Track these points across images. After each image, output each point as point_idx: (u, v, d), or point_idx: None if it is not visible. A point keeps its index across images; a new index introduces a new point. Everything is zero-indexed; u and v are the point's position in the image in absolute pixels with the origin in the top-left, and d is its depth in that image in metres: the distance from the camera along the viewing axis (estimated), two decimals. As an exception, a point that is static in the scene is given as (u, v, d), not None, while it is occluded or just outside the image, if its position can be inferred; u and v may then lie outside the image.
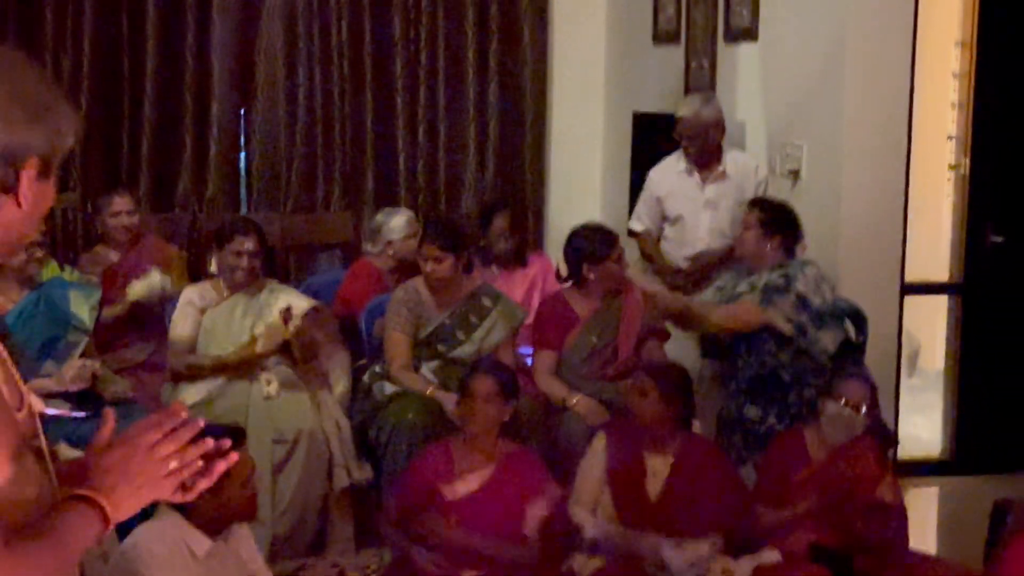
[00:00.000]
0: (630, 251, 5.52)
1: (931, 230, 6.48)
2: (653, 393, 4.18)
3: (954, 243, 6.08)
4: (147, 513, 2.98)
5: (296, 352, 4.86)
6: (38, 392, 4.09)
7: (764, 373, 4.77)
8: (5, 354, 1.61)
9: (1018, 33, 5.81)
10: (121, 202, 5.62)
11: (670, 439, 4.23)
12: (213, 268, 5.03)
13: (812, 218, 5.35)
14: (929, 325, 6.86)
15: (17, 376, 1.61)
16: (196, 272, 5.97)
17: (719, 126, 5.56)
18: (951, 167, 6.36)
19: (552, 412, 4.92)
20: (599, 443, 4.30)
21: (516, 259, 5.97)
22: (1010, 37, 5.81)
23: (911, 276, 5.72)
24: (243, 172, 6.94)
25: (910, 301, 5.80)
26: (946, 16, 6.19)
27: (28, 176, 1.55)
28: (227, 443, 1.75)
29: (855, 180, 5.43)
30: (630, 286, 5.12)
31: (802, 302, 4.75)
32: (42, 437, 1.65)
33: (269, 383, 4.76)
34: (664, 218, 5.70)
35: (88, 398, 4.46)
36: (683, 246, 5.61)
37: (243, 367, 4.82)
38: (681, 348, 5.29)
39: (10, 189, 1.54)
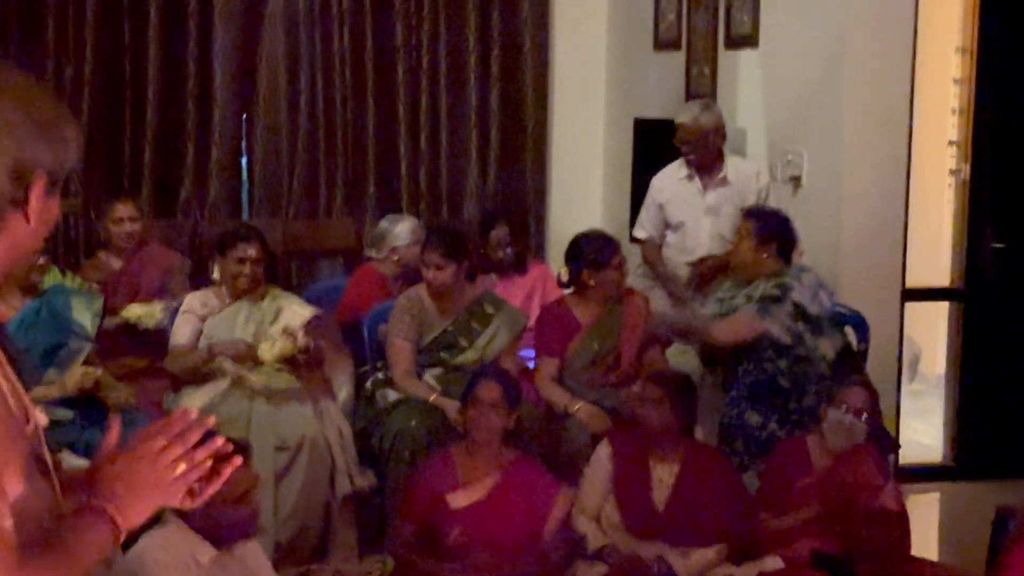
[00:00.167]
0: (633, 258, 5.53)
1: (932, 236, 6.49)
2: (663, 402, 4.19)
3: (955, 249, 6.08)
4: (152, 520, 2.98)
5: (300, 359, 4.87)
6: (40, 400, 4.10)
7: (764, 380, 4.78)
8: (9, 368, 1.61)
9: (1018, 39, 5.81)
10: (124, 209, 5.63)
11: (675, 447, 4.24)
12: (216, 275, 5.03)
13: (813, 224, 5.37)
14: (930, 330, 6.86)
15: (21, 390, 1.62)
16: (198, 278, 5.98)
17: (719, 133, 5.57)
18: (951, 173, 6.37)
19: (554, 419, 4.92)
20: (604, 451, 4.30)
21: (515, 267, 5.98)
22: (1010, 43, 5.81)
23: (912, 282, 5.73)
24: (245, 178, 6.95)
25: (911, 307, 5.80)
26: (946, 22, 6.20)
27: (37, 192, 1.57)
28: (230, 447, 1.76)
29: (856, 186, 5.45)
30: (631, 293, 5.13)
31: (799, 310, 4.76)
32: (47, 450, 1.66)
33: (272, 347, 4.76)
34: (666, 225, 5.71)
35: (90, 405, 4.46)
36: (685, 252, 5.63)
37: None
38: (682, 354, 5.29)
39: (19, 204, 1.55)
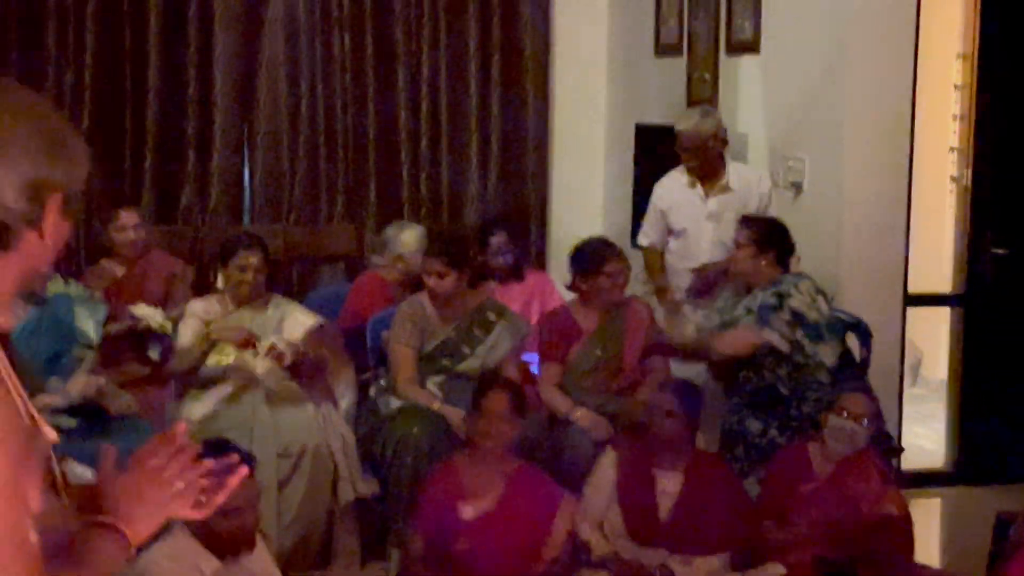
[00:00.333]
0: (636, 265, 5.53)
1: (933, 242, 6.49)
2: (674, 412, 4.20)
3: (956, 254, 6.09)
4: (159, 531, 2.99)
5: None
6: (44, 408, 4.10)
7: (764, 387, 4.80)
8: (16, 381, 1.62)
9: (1020, 45, 5.82)
10: (128, 216, 5.63)
11: (680, 456, 4.24)
12: (220, 283, 5.04)
13: (814, 230, 5.38)
14: (931, 336, 6.87)
15: (31, 406, 1.62)
16: (199, 285, 5.98)
17: (719, 139, 5.58)
18: (953, 179, 6.38)
19: (556, 425, 4.93)
20: (608, 459, 4.31)
21: (513, 274, 5.99)
22: (1012, 49, 5.82)
23: (913, 288, 5.73)
24: (246, 185, 6.96)
25: (912, 312, 5.81)
26: (947, 28, 6.21)
27: (51, 210, 1.58)
28: (235, 458, 1.82)
29: (857, 192, 5.45)
30: (633, 300, 5.15)
31: (797, 318, 4.77)
32: (56, 466, 1.68)
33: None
34: (669, 231, 5.72)
35: (93, 413, 4.47)
36: (687, 259, 5.63)
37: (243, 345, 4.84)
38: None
39: (35, 223, 1.56)
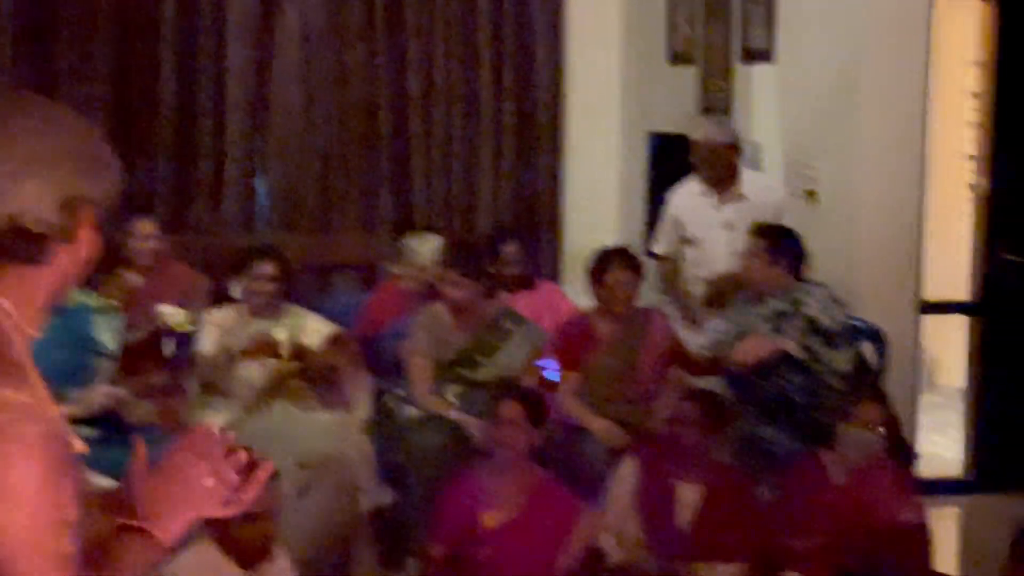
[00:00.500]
0: (653, 274, 5.53)
1: (948, 249, 6.48)
2: (699, 422, 4.20)
3: (972, 262, 6.07)
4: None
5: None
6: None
7: (778, 395, 4.79)
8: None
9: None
10: (146, 226, 5.64)
11: (700, 467, 4.24)
12: (236, 294, 5.05)
13: (829, 238, 5.37)
14: (947, 343, 6.85)
15: (62, 416, 1.63)
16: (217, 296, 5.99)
17: (733, 148, 5.57)
18: (968, 186, 6.36)
19: (571, 433, 4.93)
20: (628, 468, 4.30)
21: (523, 283, 5.99)
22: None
23: (929, 295, 5.72)
24: (259, 194, 6.97)
25: (929, 320, 5.79)
26: (962, 35, 6.20)
27: (85, 224, 1.60)
28: (260, 455, 1.79)
29: (872, 200, 5.44)
30: (651, 311, 5.16)
31: (812, 325, 4.77)
32: (83, 475, 1.68)
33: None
34: (684, 240, 5.71)
35: (112, 423, 4.47)
36: (701, 268, 5.62)
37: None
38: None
39: (69, 236, 1.58)
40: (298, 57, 6.85)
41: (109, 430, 4.40)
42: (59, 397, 4.29)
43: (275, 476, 3.10)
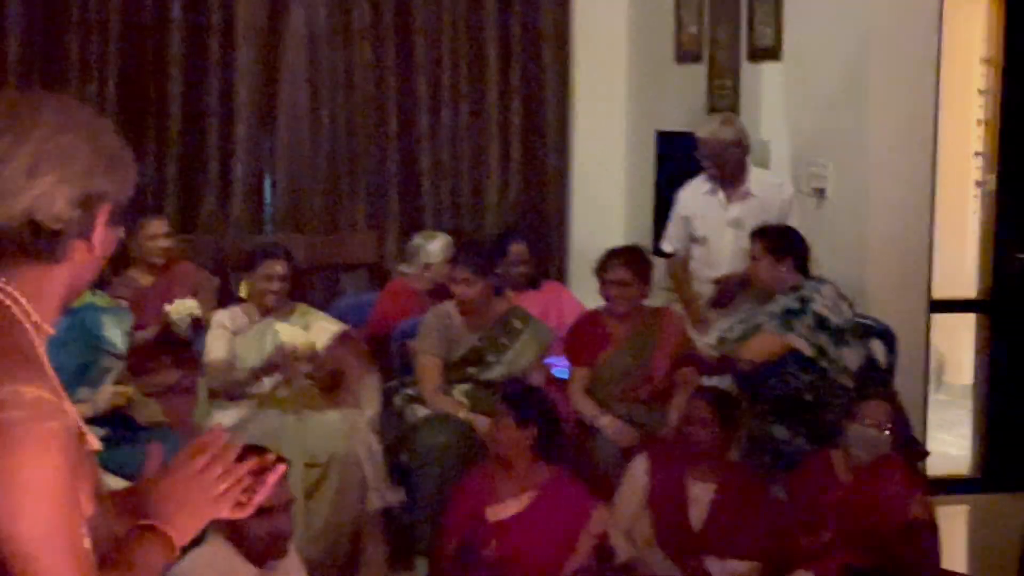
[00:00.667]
0: (660, 272, 5.52)
1: (958, 247, 6.47)
2: (712, 421, 4.20)
3: (981, 260, 6.06)
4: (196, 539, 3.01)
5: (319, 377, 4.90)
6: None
7: (788, 394, 4.78)
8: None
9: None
10: (158, 225, 5.66)
11: (713, 466, 4.24)
12: (243, 293, 5.05)
13: (838, 236, 5.37)
14: (956, 341, 6.84)
15: (77, 414, 1.64)
16: (224, 295, 6.00)
17: (739, 146, 5.56)
18: (977, 184, 6.35)
19: (585, 432, 4.93)
20: (640, 466, 4.30)
21: (529, 283, 6.00)
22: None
23: (938, 293, 5.71)
24: (267, 194, 6.98)
25: (937, 318, 5.78)
26: (971, 33, 6.19)
27: (101, 222, 1.61)
28: (273, 456, 1.82)
29: (881, 198, 5.43)
30: (665, 310, 5.16)
31: (820, 322, 4.76)
32: (98, 473, 1.69)
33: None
34: (692, 239, 5.71)
35: (121, 423, 4.48)
36: (709, 266, 5.62)
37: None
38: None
39: (85, 234, 1.59)
40: (306, 58, 6.86)
41: (118, 430, 4.41)
42: (69, 397, 4.30)
43: (285, 475, 3.12)
